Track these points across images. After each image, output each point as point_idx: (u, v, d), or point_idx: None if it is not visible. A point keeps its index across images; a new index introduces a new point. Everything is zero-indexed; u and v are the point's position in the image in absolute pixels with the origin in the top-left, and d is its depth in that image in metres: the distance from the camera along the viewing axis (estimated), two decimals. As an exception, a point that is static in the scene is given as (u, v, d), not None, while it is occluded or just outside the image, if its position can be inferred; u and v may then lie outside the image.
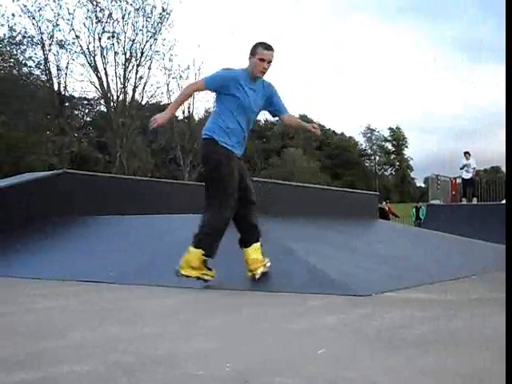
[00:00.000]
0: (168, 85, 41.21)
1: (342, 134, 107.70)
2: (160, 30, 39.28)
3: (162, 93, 40.85)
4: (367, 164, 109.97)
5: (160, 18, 39.25)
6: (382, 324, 3.82)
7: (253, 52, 5.70)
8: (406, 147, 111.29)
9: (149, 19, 39.02)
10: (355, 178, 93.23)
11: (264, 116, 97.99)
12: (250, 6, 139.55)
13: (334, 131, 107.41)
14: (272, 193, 8.81)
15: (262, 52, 5.67)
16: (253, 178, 9.66)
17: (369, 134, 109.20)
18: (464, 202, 23.27)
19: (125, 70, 38.95)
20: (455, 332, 3.51)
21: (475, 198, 23.56)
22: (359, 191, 13.73)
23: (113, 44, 38.90)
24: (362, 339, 3.29)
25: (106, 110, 41.63)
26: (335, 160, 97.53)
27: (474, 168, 23.37)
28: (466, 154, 23.60)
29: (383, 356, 2.85)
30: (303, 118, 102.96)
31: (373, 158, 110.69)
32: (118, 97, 39.40)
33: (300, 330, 3.59)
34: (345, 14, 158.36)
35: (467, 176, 23.35)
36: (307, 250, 6.96)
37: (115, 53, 38.65)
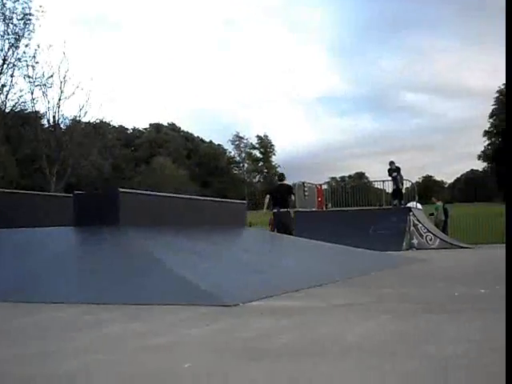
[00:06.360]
0: (32, 93, 39.78)
1: (211, 142, 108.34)
2: (23, 36, 37.91)
3: (26, 101, 39.24)
4: (236, 171, 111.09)
5: (24, 24, 37.88)
6: (247, 334, 3.86)
7: None
8: (274, 154, 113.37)
9: (10, 25, 37.59)
10: (225, 185, 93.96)
11: (132, 124, 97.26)
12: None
13: (201, 139, 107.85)
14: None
15: None
16: (123, 187, 9.57)
17: (237, 142, 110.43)
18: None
19: (-14, 78, 37.33)
20: (318, 340, 3.60)
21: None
22: (227, 200, 13.83)
23: (-27, 50, 37.18)
24: (227, 351, 3.31)
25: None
26: (204, 168, 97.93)
27: (396, 177, 23.27)
28: (391, 163, 23.64)
29: (247, 368, 2.88)
30: (171, 125, 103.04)
31: (241, 165, 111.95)
32: (-21, 106, 37.72)
33: (167, 344, 3.56)
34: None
35: (394, 186, 23.46)
36: (176, 261, 6.94)
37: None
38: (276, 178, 17.00)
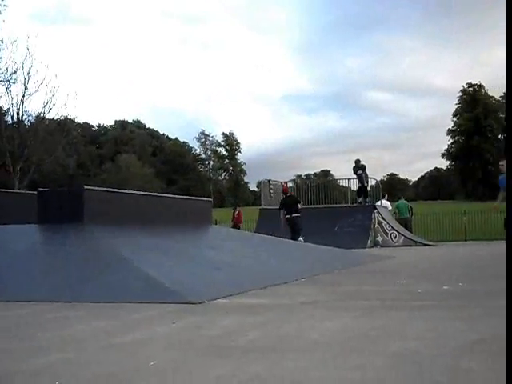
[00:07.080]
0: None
1: (176, 139, 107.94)
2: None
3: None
4: (202, 169, 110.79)
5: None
6: (213, 331, 3.87)
7: None
8: (240, 152, 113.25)
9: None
10: (190, 183, 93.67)
11: (97, 121, 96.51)
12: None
13: (167, 136, 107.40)
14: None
15: None
16: (88, 184, 9.50)
17: (203, 139, 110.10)
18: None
19: (-52, 75, 36.61)
20: (283, 337, 3.62)
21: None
22: (193, 198, 13.79)
23: None
24: (193, 348, 3.32)
25: None
26: (170, 165, 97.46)
27: (361, 175, 23.22)
28: (357, 161, 23.64)
29: (213, 365, 2.89)
30: (136, 122, 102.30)
31: (207, 163, 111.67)
32: None
33: (132, 342, 3.55)
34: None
35: (359, 184, 23.48)
36: (141, 259, 6.92)
37: None
38: (282, 193, 21.52)
